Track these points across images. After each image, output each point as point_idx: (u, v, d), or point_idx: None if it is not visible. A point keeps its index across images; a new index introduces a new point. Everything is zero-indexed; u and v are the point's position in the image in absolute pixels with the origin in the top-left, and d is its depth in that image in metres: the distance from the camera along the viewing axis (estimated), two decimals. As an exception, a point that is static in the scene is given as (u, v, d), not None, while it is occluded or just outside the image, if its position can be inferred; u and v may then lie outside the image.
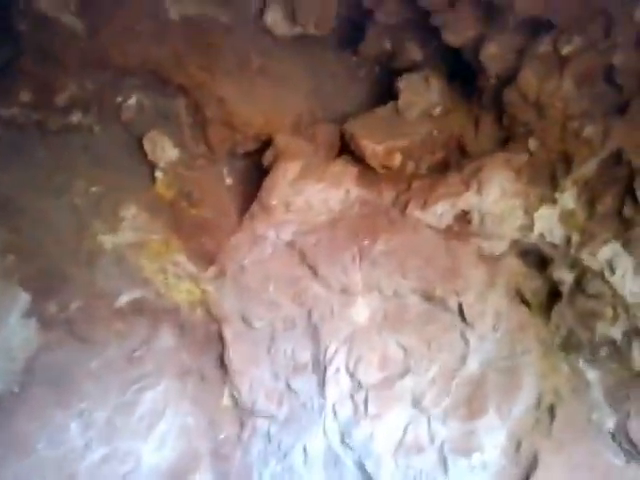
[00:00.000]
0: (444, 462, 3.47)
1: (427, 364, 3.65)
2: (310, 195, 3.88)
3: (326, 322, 3.86)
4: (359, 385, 3.74)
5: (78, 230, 4.22)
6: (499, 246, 3.71)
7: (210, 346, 4.44)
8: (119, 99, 4.16)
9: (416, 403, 3.63)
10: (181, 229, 4.26)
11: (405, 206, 3.74)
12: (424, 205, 3.68)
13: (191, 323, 4.45)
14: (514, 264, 3.80)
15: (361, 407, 3.71)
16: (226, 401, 4.35)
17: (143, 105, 4.13)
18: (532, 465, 3.41)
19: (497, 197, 3.56)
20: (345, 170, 3.93)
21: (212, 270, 4.25)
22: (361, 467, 3.66)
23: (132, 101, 4.14)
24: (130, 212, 4.25)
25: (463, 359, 3.60)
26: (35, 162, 4.23)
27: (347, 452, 3.74)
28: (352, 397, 3.76)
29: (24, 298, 4.05)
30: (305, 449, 3.89)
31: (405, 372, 3.68)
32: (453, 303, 3.60)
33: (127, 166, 4.41)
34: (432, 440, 3.54)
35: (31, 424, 3.75)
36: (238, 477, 4.18)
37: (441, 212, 3.65)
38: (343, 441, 3.74)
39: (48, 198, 4.20)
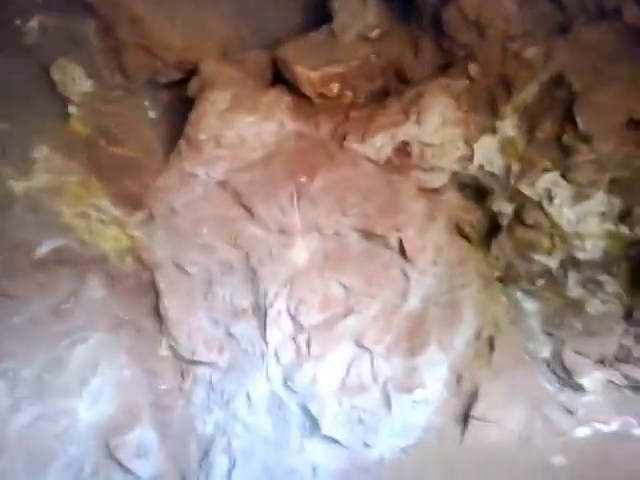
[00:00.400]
0: (387, 400, 3.46)
1: (369, 302, 3.56)
2: (242, 128, 3.58)
3: (265, 265, 3.68)
4: (301, 327, 3.63)
5: (-17, 174, 3.77)
6: (439, 179, 3.59)
7: (143, 296, 4.19)
8: (17, 21, 3.62)
9: (358, 342, 3.56)
10: (101, 170, 3.88)
11: (343, 139, 3.52)
12: (363, 137, 3.47)
13: (121, 272, 4.16)
14: (454, 197, 3.71)
15: (303, 349, 3.62)
16: (164, 351, 4.16)
17: (47, 28, 3.61)
18: (473, 396, 3.46)
19: (437, 126, 3.39)
20: (278, 100, 3.62)
21: (140, 214, 3.93)
22: (305, 410, 3.61)
23: (33, 23, 3.61)
24: (42, 153, 3.81)
25: (404, 295, 3.54)
26: None
27: (291, 396, 3.67)
28: (294, 340, 3.66)
29: None
30: (248, 395, 3.79)
31: (347, 312, 3.59)
32: (393, 240, 3.49)
33: (36, 101, 3.91)
34: (375, 379, 3.52)
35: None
36: (180, 427, 4.06)
37: (380, 144, 3.46)
38: (286, 385, 3.66)
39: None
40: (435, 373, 3.47)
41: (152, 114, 4.13)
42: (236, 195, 3.66)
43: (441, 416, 3.53)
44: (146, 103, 4.08)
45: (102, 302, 4.16)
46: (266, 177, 3.59)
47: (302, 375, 3.57)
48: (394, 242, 3.50)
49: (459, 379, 3.51)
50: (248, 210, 3.64)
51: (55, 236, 3.93)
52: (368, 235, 3.55)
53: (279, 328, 3.67)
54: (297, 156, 3.61)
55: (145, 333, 4.22)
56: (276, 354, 3.70)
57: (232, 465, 3.71)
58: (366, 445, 3.55)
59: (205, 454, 3.87)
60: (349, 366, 3.59)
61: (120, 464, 3.81)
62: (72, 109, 3.83)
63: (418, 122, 3.39)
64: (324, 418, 3.53)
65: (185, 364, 4.11)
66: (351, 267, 3.60)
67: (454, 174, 3.60)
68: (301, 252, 3.63)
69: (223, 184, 3.69)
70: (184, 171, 3.71)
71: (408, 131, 3.41)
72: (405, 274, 3.54)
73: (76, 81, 3.67)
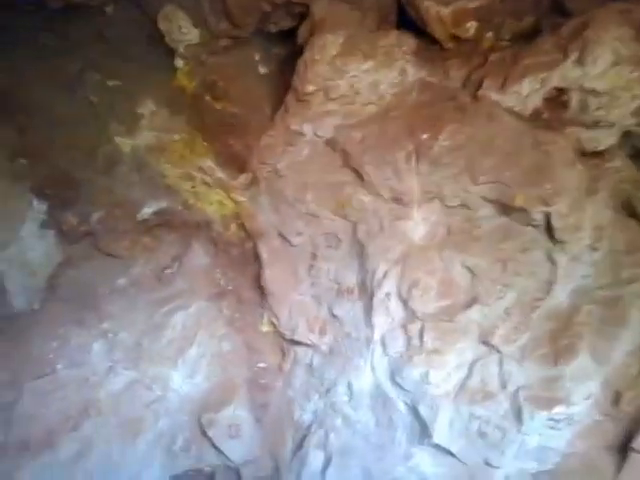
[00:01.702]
0: (518, 413, 2.78)
1: (500, 292, 2.88)
2: (355, 77, 3.04)
3: (374, 238, 3.15)
4: (413, 314, 3.06)
5: (94, 131, 3.68)
6: (605, 139, 2.74)
7: (247, 266, 3.91)
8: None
9: (485, 339, 2.91)
10: (205, 128, 3.60)
11: (478, 87, 2.83)
12: (504, 84, 2.74)
13: (225, 240, 3.91)
14: (623, 165, 2.84)
15: (415, 340, 3.05)
16: (265, 327, 3.86)
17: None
18: (635, 422, 2.66)
19: (607, 67, 2.55)
20: (401, 44, 3.00)
21: (244, 177, 3.60)
22: (414, 411, 3.06)
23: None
24: (148, 109, 3.63)
25: (548, 286, 2.80)
26: (40, 51, 3.66)
27: (398, 393, 3.14)
28: (404, 328, 3.10)
29: (39, 208, 3.65)
30: (350, 385, 3.34)
31: (472, 301, 2.94)
32: (538, 215, 2.74)
33: (145, 54, 3.74)
34: (504, 386, 2.85)
35: (50, 343, 3.44)
36: (277, 411, 3.75)
37: (527, 92, 2.71)
38: (393, 380, 3.14)
39: (59, 93, 3.65)
40: (584, 388, 2.70)
41: (262, 69, 3.74)
42: (345, 156, 3.15)
43: (589, 442, 2.76)
44: (257, 57, 3.70)
45: (205, 269, 3.96)
46: (380, 135, 3.03)
47: (412, 370, 3.01)
48: (539, 218, 2.75)
49: (617, 399, 2.71)
50: (358, 174, 3.12)
51: (159, 197, 3.77)
52: (505, 208, 2.84)
53: (387, 313, 3.14)
54: (419, 110, 2.99)
55: (247, 305, 3.95)
56: (383, 343, 3.18)
57: (327, 462, 3.30)
58: (487, 464, 2.92)
59: (300, 445, 3.51)
60: (471, 366, 2.95)
61: (212, 443, 3.59)
62: (178, 62, 3.57)
63: (580, 62, 2.57)
64: (436, 424, 2.95)
65: (286, 343, 3.77)
66: (480, 247, 2.93)
67: (626, 133, 2.74)
68: (418, 225, 3.04)
69: (331, 144, 3.20)
70: (290, 129, 3.28)
71: (565, 74, 2.61)
72: (551, 260, 2.79)
73: (182, 30, 3.39)
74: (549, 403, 2.70)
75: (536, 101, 2.72)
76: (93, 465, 3.31)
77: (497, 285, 2.88)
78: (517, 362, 2.83)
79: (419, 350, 3.01)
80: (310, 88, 3.10)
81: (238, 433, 3.57)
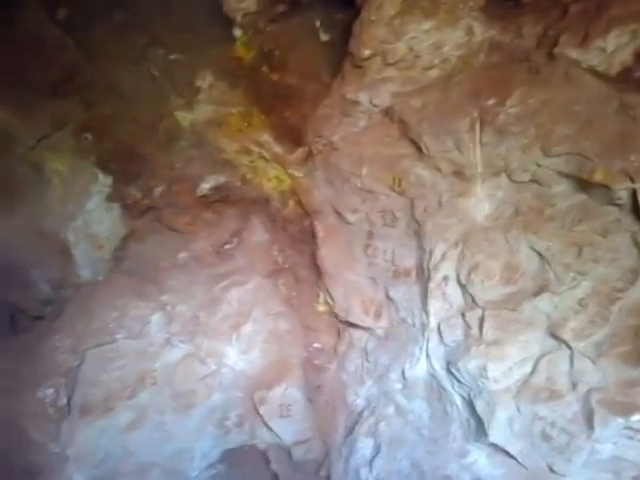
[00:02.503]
0: (590, 417, 2.45)
1: (575, 279, 2.53)
2: (415, 39, 2.76)
3: (432, 216, 2.90)
4: (473, 301, 2.79)
5: (156, 105, 3.70)
6: None
7: (304, 243, 3.79)
8: None
9: (554, 332, 2.58)
10: (262, 100, 3.48)
11: (555, 44, 2.45)
12: (585, 39, 2.35)
13: (283, 216, 3.81)
14: None
15: (474, 330, 2.79)
16: (321, 306, 3.74)
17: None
18: None
19: None
20: (467, -1, 2.70)
21: (300, 151, 3.46)
22: (471, 406, 2.81)
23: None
24: (206, 82, 3.57)
25: (633, 275, 2.41)
26: (111, 25, 3.72)
27: (454, 385, 2.90)
28: (463, 316, 2.85)
29: (104, 181, 3.74)
30: (404, 373, 3.14)
31: (540, 289, 2.62)
32: (623, 192, 2.35)
33: (207, 27, 3.68)
34: (574, 385, 2.52)
35: (111, 313, 3.54)
36: (331, 393, 3.64)
37: (613, 48, 2.31)
38: (449, 370, 2.89)
39: (125, 68, 3.70)
40: (672, 395, 2.32)
41: (324, 36, 3.54)
42: (403, 126, 2.90)
43: (674, 457, 2.38)
44: (317, 23, 3.50)
45: (263, 246, 3.90)
46: (442, 102, 2.74)
47: (470, 362, 2.75)
48: (624, 196, 2.36)
49: None
50: (416, 146, 2.86)
51: (218, 172, 3.73)
52: (583, 184, 2.47)
53: (444, 298, 2.89)
54: (487, 73, 2.67)
55: (303, 284, 3.84)
56: (439, 330, 2.94)
57: (376, 452, 3.14)
58: (552, 470, 2.62)
59: (350, 430, 3.38)
60: (537, 362, 2.64)
61: (263, 420, 3.55)
62: (237, 32, 3.47)
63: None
64: (494, 422, 2.69)
65: (341, 324, 3.63)
66: (552, 228, 2.59)
67: None
68: (481, 203, 2.74)
69: (389, 113, 2.96)
70: (345, 98, 3.08)
71: (664, 24, 2.20)
72: (637, 244, 2.40)
73: (240, -3, 3.29)
74: (627, 409, 2.35)
75: (624, 58, 2.31)
76: (147, 434, 3.39)
77: (570, 272, 2.53)
78: (591, 360, 2.48)
79: (478, 340, 2.74)
80: (366, 52, 2.88)
81: (289, 413, 3.50)
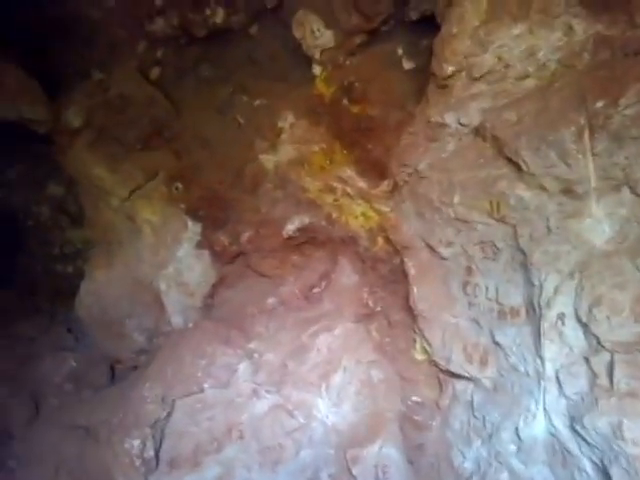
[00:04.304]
0: None
1: None
2: (504, 47, 2.46)
3: (540, 244, 2.48)
4: (598, 343, 2.30)
5: (241, 151, 3.71)
6: None
7: (397, 284, 3.49)
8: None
9: None
10: (344, 135, 3.33)
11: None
12: None
13: (373, 255, 3.56)
14: None
15: (602, 379, 2.28)
16: (419, 355, 3.37)
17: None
18: None
19: None
20: (564, -6, 2.38)
21: (385, 184, 3.23)
22: (604, 473, 2.26)
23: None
24: (288, 121, 3.51)
25: None
26: (199, 78, 3.86)
27: (581, 446, 2.38)
28: (587, 361, 2.35)
29: (194, 229, 3.77)
30: (518, 432, 2.66)
31: (687, 325, 2.09)
32: None
33: (289, 70, 3.69)
34: None
35: (199, 361, 3.45)
36: (435, 454, 3.20)
37: None
38: (573, 428, 2.38)
39: (212, 117, 3.79)
40: None
41: (407, 64, 3.36)
42: (497, 144, 2.57)
43: None
44: (399, 51, 3.35)
45: (352, 288, 3.65)
46: (541, 112, 2.39)
47: (599, 419, 2.23)
48: None
49: None
50: (514, 164, 2.51)
51: (303, 212, 3.60)
52: None
53: (562, 340, 2.42)
54: (593, 74, 2.29)
55: (398, 329, 3.51)
56: (557, 379, 2.46)
57: (490, 528, 2.64)
58: None
59: (459, 500, 2.90)
60: (691, 420, 2.08)
61: (359, 483, 3.18)
62: (316, 69, 3.41)
63: None
64: (639, 497, 2.12)
65: (442, 374, 3.22)
66: (697, 250, 2.08)
67: None
68: (599, 224, 2.29)
69: (480, 131, 2.65)
70: (430, 122, 2.82)
71: None
72: None
73: (316, 34, 3.23)
74: None
75: None
76: (234, 491, 3.17)
77: None
78: None
79: (608, 392, 2.23)
80: (449, 69, 2.63)
81: (386, 475, 3.11)
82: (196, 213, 3.76)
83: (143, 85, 3.75)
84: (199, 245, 3.80)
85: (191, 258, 3.77)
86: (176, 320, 3.73)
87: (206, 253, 3.82)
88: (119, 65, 3.77)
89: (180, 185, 3.74)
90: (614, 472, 2.18)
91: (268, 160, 3.62)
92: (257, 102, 3.75)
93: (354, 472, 3.16)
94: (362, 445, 3.22)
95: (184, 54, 3.84)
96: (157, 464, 3.22)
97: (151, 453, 3.22)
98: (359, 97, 3.29)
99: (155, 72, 3.89)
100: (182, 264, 3.75)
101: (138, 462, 3.19)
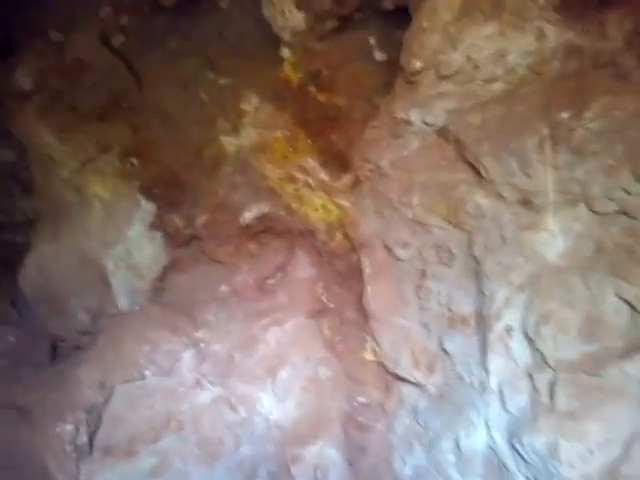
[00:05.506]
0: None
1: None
2: (474, 47, 2.36)
3: (493, 253, 2.42)
4: (543, 360, 2.25)
5: (202, 131, 3.55)
6: None
7: (353, 282, 3.40)
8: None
9: (651, 407, 1.99)
10: (308, 124, 3.21)
11: (649, 41, 1.97)
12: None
13: (330, 251, 3.47)
14: None
15: (544, 397, 2.24)
16: (369, 355, 3.30)
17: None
18: None
19: None
20: (537, -3, 2.29)
21: (346, 178, 3.13)
22: (538, 492, 2.23)
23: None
24: (252, 105, 3.37)
25: None
26: (165, 53, 3.66)
27: (519, 464, 2.34)
28: (531, 378, 2.31)
29: (147, 208, 3.61)
30: (458, 442, 2.61)
31: (632, 348, 2.05)
32: None
33: (259, 51, 3.53)
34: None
35: (142, 345, 3.32)
36: (377, 458, 3.15)
37: None
38: (512, 444, 2.34)
39: (175, 93, 3.60)
40: None
41: (380, 55, 3.22)
42: (459, 148, 2.48)
43: None
44: (372, 41, 3.21)
45: (307, 282, 3.56)
46: (505, 118, 2.30)
47: (537, 437, 2.19)
48: None
49: None
50: (474, 169, 2.43)
51: (262, 201, 3.48)
52: (689, 217, 1.92)
53: (508, 354, 2.37)
54: (560, 83, 2.21)
55: (350, 328, 3.43)
56: (501, 393, 2.41)
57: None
58: None
59: (395, 506, 2.86)
60: (628, 445, 2.04)
61: (297, 482, 3.12)
62: (285, 52, 3.25)
63: None
64: (569, 519, 2.10)
65: (390, 377, 3.16)
66: (648, 272, 2.04)
67: None
68: (553, 238, 2.23)
69: (443, 133, 2.55)
70: (395, 118, 2.71)
71: None
72: None
73: (286, 15, 3.07)
74: None
75: None
76: (168, 483, 3.07)
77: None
78: None
79: (548, 410, 2.19)
80: (417, 65, 2.52)
81: (324, 477, 3.05)
82: (150, 192, 3.59)
83: (104, 52, 3.53)
84: (152, 226, 3.64)
85: (142, 239, 3.61)
86: (122, 302, 3.58)
87: (159, 235, 3.67)
88: (79, 28, 3.54)
89: (135, 161, 3.56)
90: (547, 492, 2.15)
91: (230, 143, 3.46)
92: (223, 81, 3.57)
93: (293, 471, 3.10)
94: (303, 444, 3.16)
95: (151, 23, 3.62)
96: (90, 451, 3.10)
97: (84, 439, 3.10)
98: (326, 85, 3.15)
99: (118, 39, 3.67)
100: (132, 244, 3.59)
101: (70, 448, 3.07)
